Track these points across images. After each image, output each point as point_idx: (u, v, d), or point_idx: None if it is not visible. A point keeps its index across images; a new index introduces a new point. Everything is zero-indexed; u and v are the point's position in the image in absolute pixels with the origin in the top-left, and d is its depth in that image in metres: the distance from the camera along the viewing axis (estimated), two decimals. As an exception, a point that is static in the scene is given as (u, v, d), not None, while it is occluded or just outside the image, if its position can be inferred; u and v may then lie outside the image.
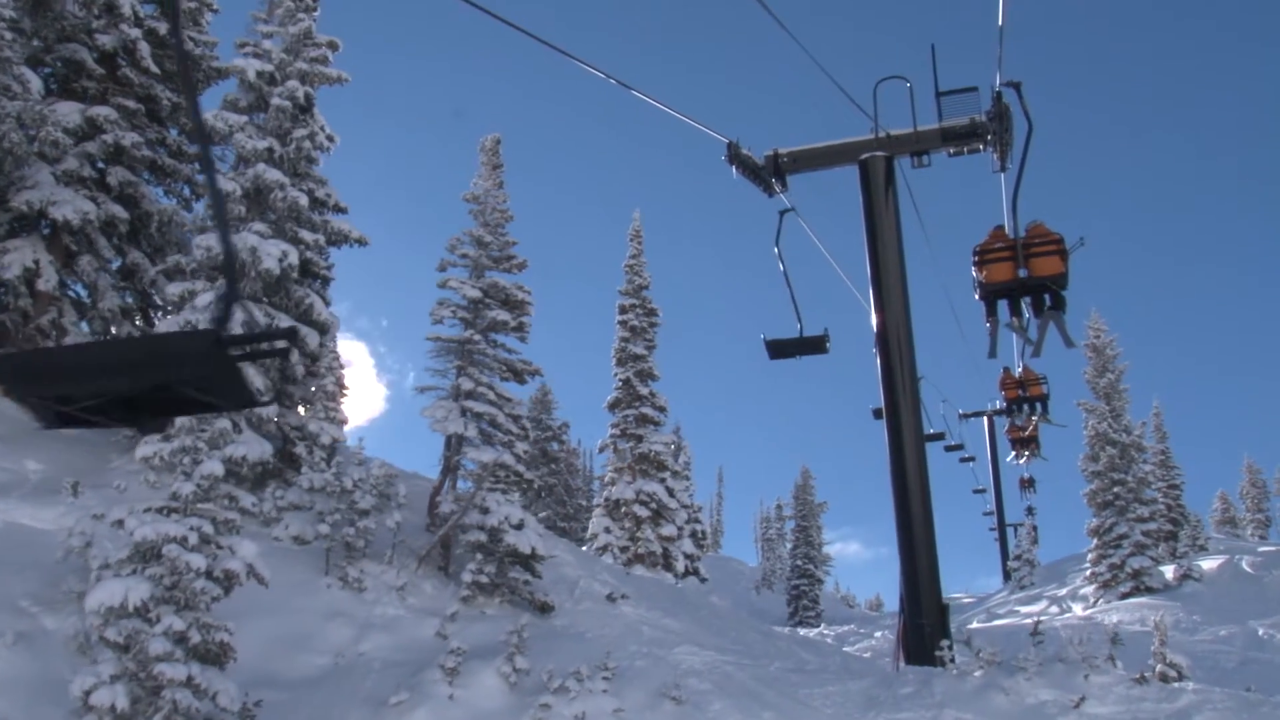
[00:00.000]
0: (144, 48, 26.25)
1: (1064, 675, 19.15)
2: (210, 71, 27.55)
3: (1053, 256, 16.43)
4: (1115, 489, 51.77)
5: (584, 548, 35.30)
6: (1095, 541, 51.72)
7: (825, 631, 45.56)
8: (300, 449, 22.45)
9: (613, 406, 36.62)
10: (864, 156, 22.97)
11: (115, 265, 26.25)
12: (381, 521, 21.43)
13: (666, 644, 21.41)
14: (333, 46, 25.54)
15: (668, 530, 35.30)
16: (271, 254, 22.72)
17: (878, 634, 43.38)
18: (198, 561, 14.78)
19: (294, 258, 23.13)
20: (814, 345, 21.94)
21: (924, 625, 22.01)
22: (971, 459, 65.11)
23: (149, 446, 18.47)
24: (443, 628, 19.49)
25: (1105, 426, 53.07)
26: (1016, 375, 33.80)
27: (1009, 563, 68.14)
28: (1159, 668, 20.00)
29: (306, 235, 23.96)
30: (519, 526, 21.41)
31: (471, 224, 24.01)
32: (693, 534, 49.22)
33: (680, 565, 46.52)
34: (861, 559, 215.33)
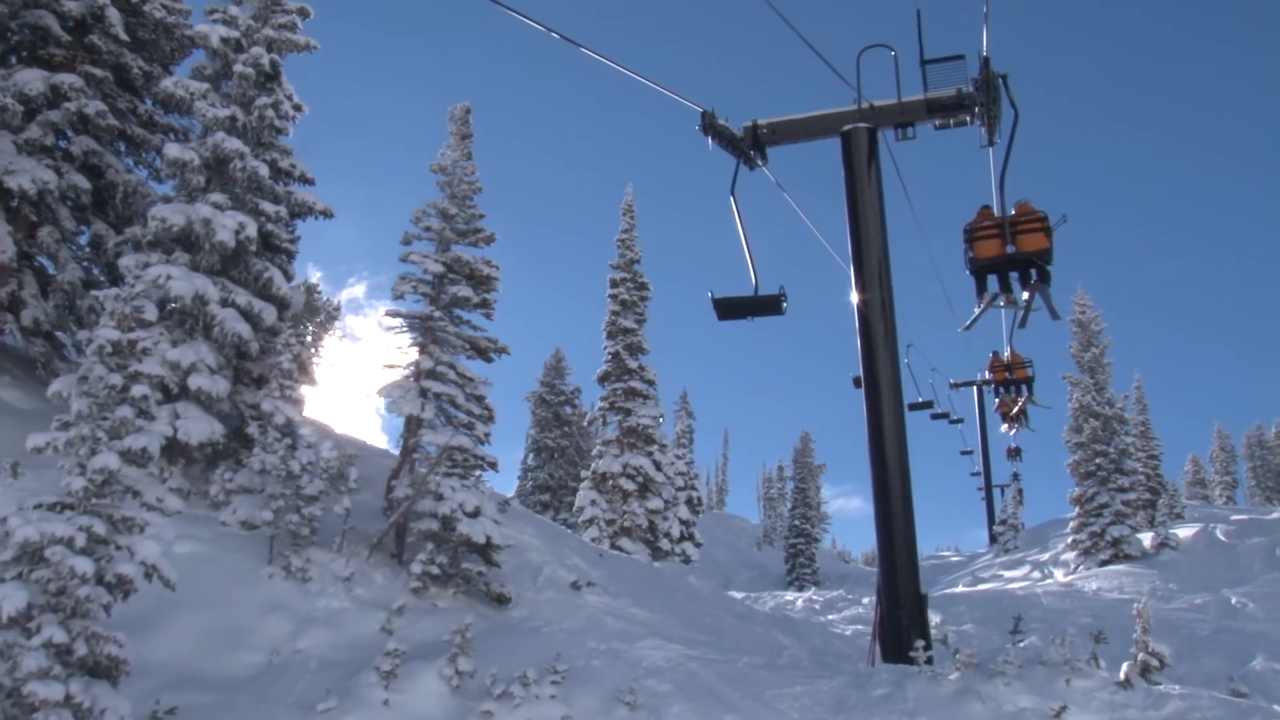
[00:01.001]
0: (113, 14, 23.34)
1: (1045, 680, 16.43)
2: (184, 40, 24.59)
3: (1038, 233, 16.45)
4: (1097, 460, 49.99)
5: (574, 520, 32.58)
6: (1077, 510, 50.02)
7: (815, 597, 42.76)
8: (253, 429, 19.63)
9: (602, 379, 33.80)
10: (846, 128, 19.95)
11: (84, 237, 23.39)
12: (331, 507, 18.64)
13: (630, 637, 18.61)
14: (303, 13, 22.66)
15: (654, 504, 32.51)
16: (227, 225, 19.92)
17: (865, 600, 40.73)
18: (84, 566, 12.02)
19: (252, 230, 20.33)
20: (768, 305, 18.68)
21: (902, 617, 19.28)
22: (960, 420, 62.82)
23: (42, 435, 15.61)
24: (388, 623, 16.73)
25: (1089, 399, 51.00)
26: (1004, 359, 33.06)
27: (994, 526, 66.19)
28: (1141, 656, 17.56)
29: (268, 207, 21.12)
30: (474, 514, 18.59)
31: (439, 195, 21.13)
32: (688, 500, 46.57)
33: (676, 531, 44.04)
34: (862, 514, 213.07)
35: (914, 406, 39.01)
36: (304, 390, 20.22)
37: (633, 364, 33.38)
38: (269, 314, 20.54)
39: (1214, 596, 38.35)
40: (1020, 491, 67.27)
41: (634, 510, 31.38)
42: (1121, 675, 17.63)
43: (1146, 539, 48.19)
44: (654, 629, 19.66)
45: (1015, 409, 37.69)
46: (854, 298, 19.99)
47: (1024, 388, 33.67)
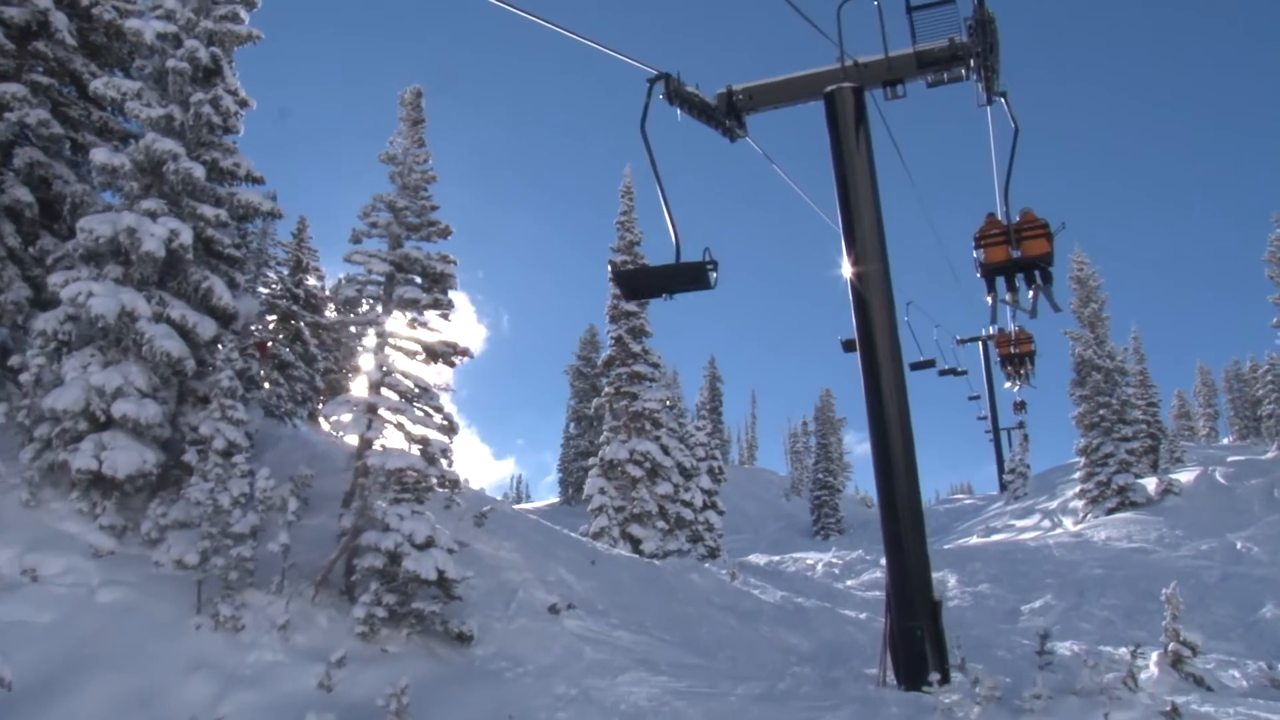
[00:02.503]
0: (59, 19, 19.31)
1: (1079, 713, 12.35)
2: (136, 42, 20.47)
3: (1040, 239, 16.15)
4: (1101, 411, 45.84)
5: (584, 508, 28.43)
6: (1084, 460, 46.05)
7: (834, 560, 38.49)
8: (191, 455, 15.56)
9: (607, 365, 29.52)
10: (829, 89, 15.44)
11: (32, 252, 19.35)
12: (283, 539, 14.50)
13: (610, 670, 14.42)
14: (247, 3, 18.44)
15: (664, 488, 28.31)
16: (155, 234, 15.85)
17: (883, 561, 36.60)
18: None
19: (187, 236, 16.24)
20: (689, 277, 12.66)
21: (915, 629, 15.04)
22: (964, 372, 58.36)
23: None
24: (326, 677, 12.69)
25: (1090, 353, 46.74)
26: (1010, 334, 31.97)
27: (1004, 475, 61.89)
28: (1172, 646, 16.24)
29: (207, 211, 16.99)
30: (425, 545, 14.41)
31: (389, 187, 16.88)
32: (710, 469, 42.34)
33: (699, 500, 39.93)
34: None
35: (916, 366, 34.72)
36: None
37: (636, 348, 29.13)
38: (206, 328, 16.39)
39: (1219, 542, 35.82)
40: (1026, 437, 63.08)
41: (643, 496, 27.24)
42: (1152, 667, 15.89)
43: (1150, 485, 44.42)
44: (640, 656, 15.46)
45: (1018, 349, 34.76)
46: (846, 270, 15.52)
47: (1027, 360, 31.22)
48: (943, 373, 48.61)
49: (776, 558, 40.48)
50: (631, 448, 27.75)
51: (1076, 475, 47.65)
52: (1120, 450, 44.35)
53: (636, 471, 27.42)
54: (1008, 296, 17.16)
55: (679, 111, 15.70)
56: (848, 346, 17.62)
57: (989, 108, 15.86)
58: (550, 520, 30.13)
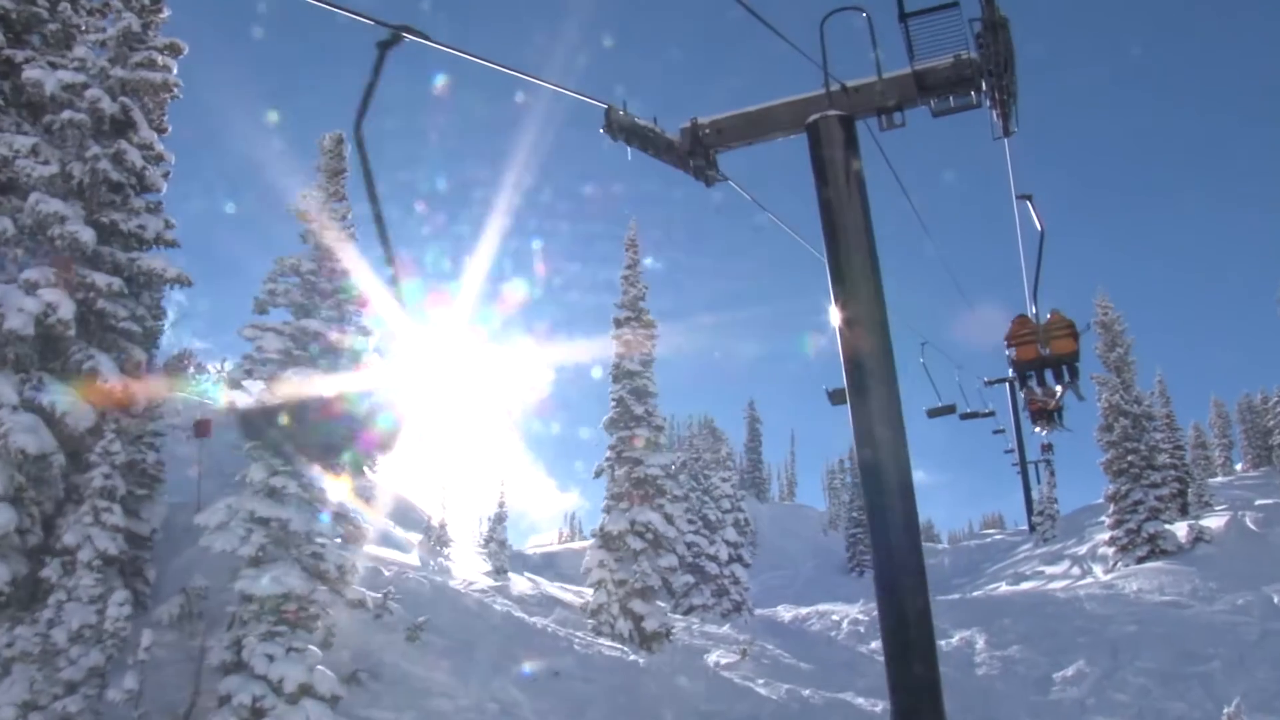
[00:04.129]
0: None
1: None
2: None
3: (1067, 338, 15.40)
4: (1129, 458, 41.08)
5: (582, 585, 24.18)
6: (1112, 507, 41.11)
7: (860, 616, 33.84)
8: (51, 569, 11.70)
9: (609, 426, 25.41)
10: (812, 119, 11.12)
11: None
12: (117, 687, 10.56)
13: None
14: (173, 50, 14.83)
15: (667, 560, 24.05)
16: (25, 309, 12.08)
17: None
18: None
19: (66, 310, 12.51)
20: None
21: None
22: (991, 413, 53.39)
23: None
24: None
25: (1118, 399, 42.09)
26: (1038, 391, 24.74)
27: (1033, 517, 56.85)
28: None
29: (99, 279, 13.20)
30: (298, 695, 10.36)
31: (300, 249, 13.05)
32: (735, 522, 38.08)
33: (724, 554, 35.61)
34: (924, 486, 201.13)
35: (935, 413, 29.80)
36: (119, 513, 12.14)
37: (639, 409, 25.02)
38: (81, 415, 12.59)
39: (1255, 595, 31.90)
40: (1052, 473, 58.35)
41: (644, 570, 23.02)
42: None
43: (1180, 531, 39.60)
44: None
45: (1051, 405, 29.59)
46: (834, 320, 11.15)
47: (1056, 415, 26.27)
48: (965, 416, 43.95)
49: (804, 610, 36.01)
50: (632, 518, 23.60)
51: (1105, 520, 43.00)
52: (1149, 497, 39.63)
53: (638, 544, 23.26)
54: (1039, 389, 16.71)
55: (629, 150, 11.63)
56: (835, 398, 14.85)
57: (1006, 140, 11.78)
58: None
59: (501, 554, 48.85)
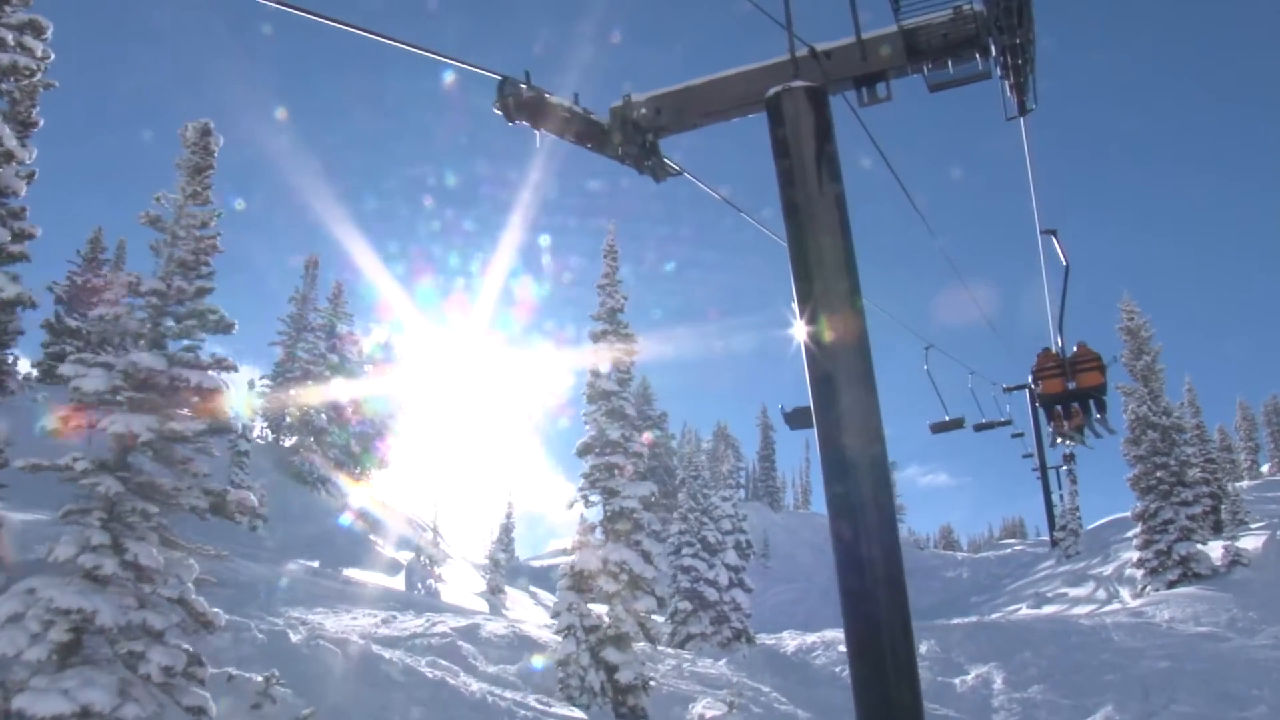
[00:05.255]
0: None
1: None
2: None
3: (1094, 371, 15.58)
4: (1159, 473, 38.05)
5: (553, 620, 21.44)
6: (1141, 526, 38.02)
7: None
8: None
9: (581, 452, 22.69)
10: (773, 92, 8.28)
11: None
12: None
13: None
14: (34, 29, 12.26)
15: (645, 603, 21.28)
16: None
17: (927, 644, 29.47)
18: None
19: None
20: None
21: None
22: (1008, 422, 50.55)
23: None
24: None
25: (1145, 410, 39.05)
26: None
27: (1055, 531, 53.72)
28: None
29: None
30: None
31: (152, 264, 10.50)
32: (736, 544, 35.40)
33: (724, 579, 32.88)
34: (944, 489, 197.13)
35: (939, 428, 27.02)
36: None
37: (615, 434, 22.31)
38: None
39: None
40: (1074, 481, 55.34)
41: (620, 615, 20.32)
42: None
43: (1215, 552, 36.59)
44: None
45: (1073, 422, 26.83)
46: (799, 332, 8.30)
47: (1091, 405, 24.01)
48: (980, 428, 41.01)
49: (810, 638, 33.26)
50: (605, 556, 20.94)
51: (1132, 537, 40.06)
52: (1181, 516, 36.62)
53: (611, 585, 20.60)
54: (1063, 428, 16.33)
55: (536, 135, 9.02)
56: (794, 420, 10.95)
57: (1023, 121, 9.34)
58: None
59: (498, 572, 46.57)
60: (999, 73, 8.42)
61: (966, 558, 75.34)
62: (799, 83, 8.33)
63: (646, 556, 21.51)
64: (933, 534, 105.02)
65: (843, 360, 7.64)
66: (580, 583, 20.73)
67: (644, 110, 9.26)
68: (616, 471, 21.90)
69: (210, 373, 10.43)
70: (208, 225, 11.02)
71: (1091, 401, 15.92)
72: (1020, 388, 55.29)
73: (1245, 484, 58.13)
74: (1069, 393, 15.70)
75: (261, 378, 49.33)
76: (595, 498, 22.01)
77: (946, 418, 27.98)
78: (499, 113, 8.63)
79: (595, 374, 22.54)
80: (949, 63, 8.47)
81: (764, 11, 8.77)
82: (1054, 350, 15.89)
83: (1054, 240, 13.76)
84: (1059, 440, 31.99)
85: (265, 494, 37.52)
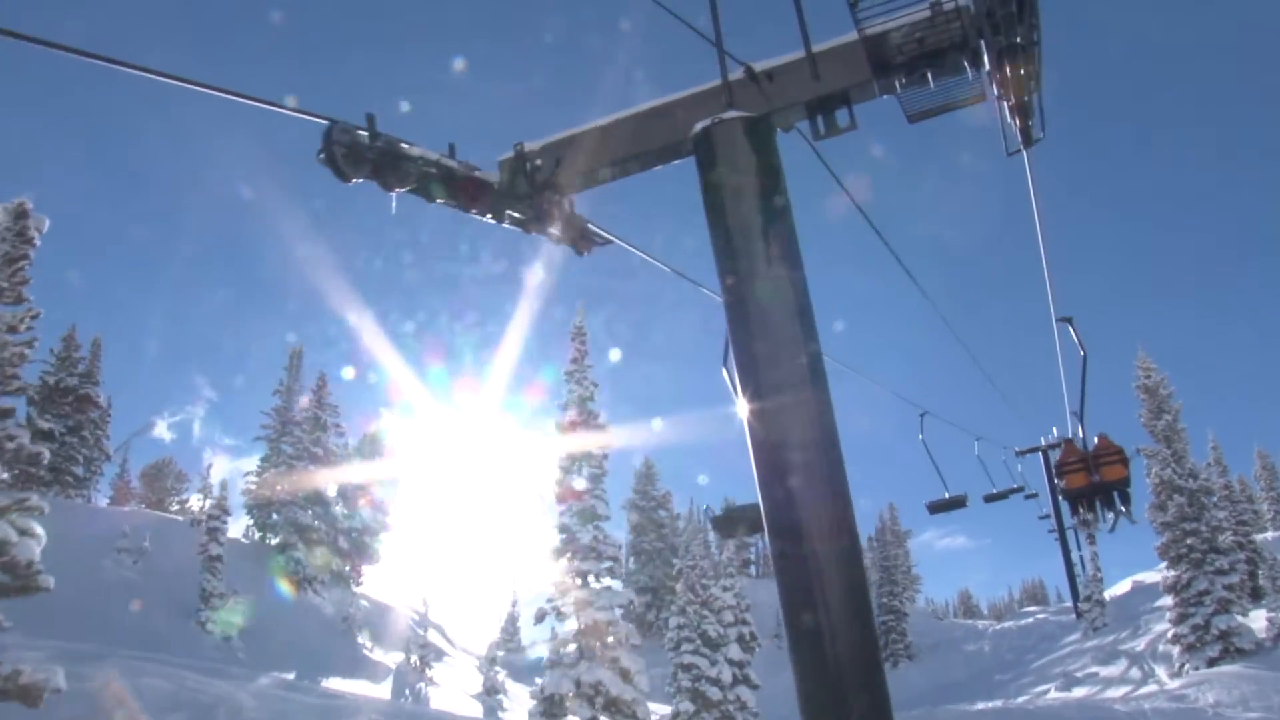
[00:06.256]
0: None
1: None
2: None
3: (1117, 465, 14.91)
4: (1189, 540, 35.17)
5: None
6: (1173, 599, 35.00)
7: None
8: None
9: (556, 557, 20.08)
10: (702, 128, 5.81)
11: None
12: None
13: None
14: None
15: (625, 730, 18.57)
16: None
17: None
18: None
19: None
20: None
21: None
22: (1020, 489, 47.88)
23: None
24: None
25: (1170, 473, 36.23)
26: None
27: (1079, 603, 50.60)
28: None
29: None
30: None
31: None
32: (739, 637, 32.66)
33: (726, 676, 29.99)
34: (962, 551, 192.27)
35: (937, 507, 24.45)
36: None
37: (586, 537, 19.80)
38: None
39: None
40: (1093, 540, 52.52)
41: (594, 747, 17.61)
42: None
43: (1257, 623, 33.67)
44: None
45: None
46: (741, 410, 5.67)
47: (1115, 499, 21.57)
48: (991, 499, 38.25)
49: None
50: (578, 677, 18.27)
51: (1163, 607, 37.03)
52: (1217, 586, 33.73)
53: (586, 711, 17.90)
54: (1087, 518, 16.07)
55: (393, 199, 6.66)
56: (723, 528, 9.49)
57: (1025, 155, 7.17)
58: None
59: (493, 672, 43.61)
60: (995, 90, 6.15)
61: (988, 627, 71.88)
62: (734, 113, 6.03)
63: (625, 675, 18.85)
64: (951, 599, 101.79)
65: (800, 450, 5.27)
66: (552, 708, 18.04)
67: (539, 162, 6.92)
68: (590, 579, 19.33)
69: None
70: (17, 329, 8.75)
71: (1116, 494, 15.50)
72: (1033, 450, 52.49)
73: (1270, 535, 55.08)
74: (1093, 486, 15.30)
75: (246, 474, 47.09)
76: (568, 608, 19.42)
77: (946, 495, 25.46)
78: (324, 165, 6.25)
79: (565, 469, 20.07)
80: (929, 77, 6.12)
81: (676, 17, 6.63)
82: (1075, 442, 15.48)
83: (1070, 328, 13.42)
84: (1076, 518, 29.45)
85: (239, 599, 34.99)
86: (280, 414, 47.63)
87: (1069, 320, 13.51)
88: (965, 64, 5.91)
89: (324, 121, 6.07)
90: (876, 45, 5.94)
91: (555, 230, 7.41)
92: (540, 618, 19.82)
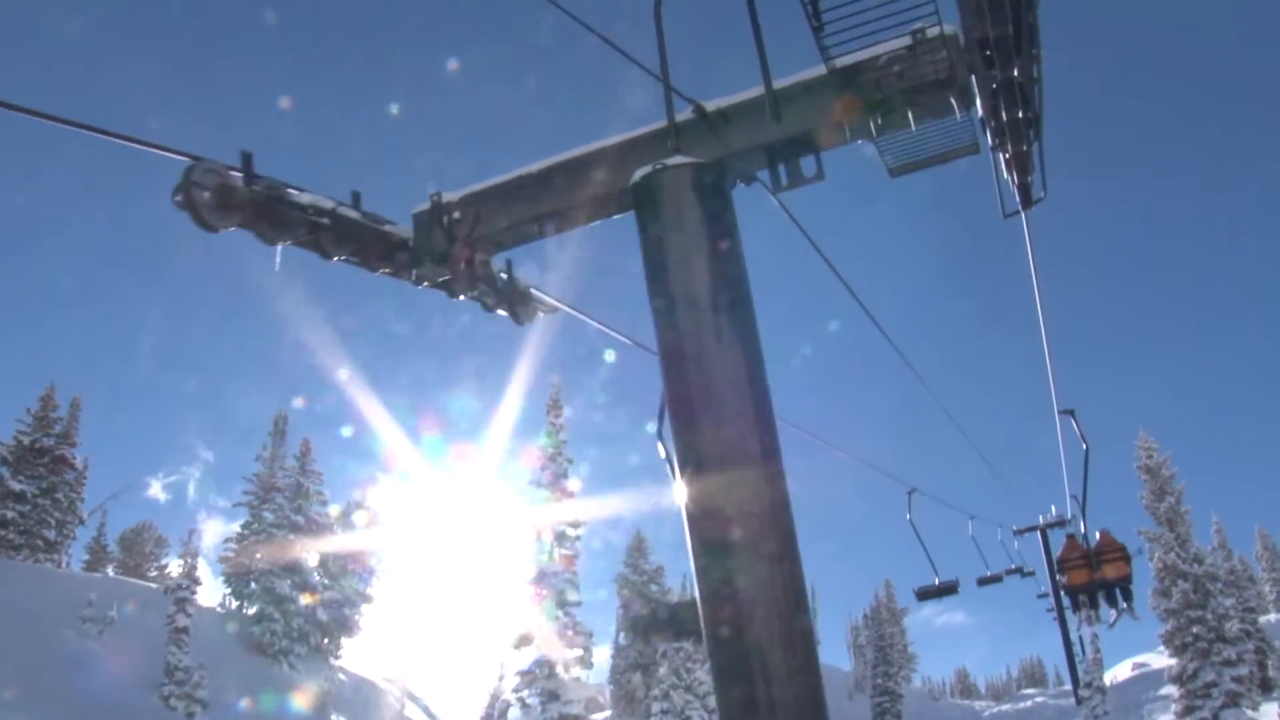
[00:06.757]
0: None
1: None
2: None
3: (1119, 562, 15.05)
4: (1194, 629, 33.75)
5: None
6: (1178, 690, 33.37)
7: None
8: None
9: (520, 644, 18.65)
10: (642, 175, 4.62)
11: None
12: None
13: None
14: None
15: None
16: None
17: None
18: None
19: None
20: None
21: None
22: (1018, 569, 46.21)
23: None
24: None
25: (1173, 557, 34.93)
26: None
27: (1079, 689, 48.83)
28: None
29: None
30: None
31: None
32: None
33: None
34: (961, 627, 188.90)
35: (926, 595, 23.09)
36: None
37: (553, 624, 18.44)
38: None
39: None
40: (1092, 622, 50.20)
41: None
42: None
43: (1269, 718, 31.55)
44: None
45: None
46: (678, 495, 4.39)
47: (1117, 594, 20.57)
48: (984, 581, 36.65)
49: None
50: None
51: (1168, 697, 35.34)
52: (1225, 678, 32.23)
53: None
54: (1089, 616, 15.70)
55: (278, 255, 5.52)
56: (643, 629, 8.24)
57: (1024, 216, 6.02)
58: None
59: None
60: (990, 140, 5.15)
61: (986, 708, 69.83)
62: (680, 159, 4.90)
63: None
64: (949, 678, 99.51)
65: (745, 532, 4.10)
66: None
67: (456, 215, 5.82)
68: (559, 669, 17.94)
69: None
70: None
71: (1118, 590, 15.47)
72: (1031, 529, 50.83)
73: (1274, 618, 53.42)
74: (1094, 583, 15.19)
75: (225, 540, 45.73)
76: (533, 699, 17.99)
77: (937, 580, 24.14)
78: (182, 208, 5.15)
79: (539, 550, 18.77)
80: (910, 118, 5.05)
81: (640, 66, 5.60)
82: (1077, 538, 15.41)
83: (1072, 421, 13.26)
84: (1080, 615, 28.21)
85: (207, 674, 33.37)
86: (263, 480, 46.36)
87: (1071, 413, 13.31)
88: (953, 103, 4.93)
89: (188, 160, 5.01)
90: (847, 80, 4.93)
91: (483, 295, 6.36)
92: (503, 711, 18.39)
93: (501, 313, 6.56)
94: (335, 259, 5.57)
